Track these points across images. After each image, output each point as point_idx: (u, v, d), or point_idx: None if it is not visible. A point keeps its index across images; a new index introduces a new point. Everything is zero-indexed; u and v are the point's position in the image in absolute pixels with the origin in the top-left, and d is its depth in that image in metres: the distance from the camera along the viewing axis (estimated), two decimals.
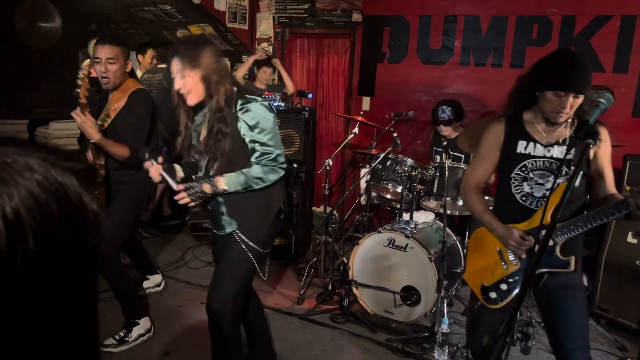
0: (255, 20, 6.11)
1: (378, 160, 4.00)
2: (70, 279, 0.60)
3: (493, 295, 2.29)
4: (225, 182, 2.33)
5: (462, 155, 4.22)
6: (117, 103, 3.03)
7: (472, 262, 2.46)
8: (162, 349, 3.24)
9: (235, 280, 2.46)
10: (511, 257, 2.25)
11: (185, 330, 3.41)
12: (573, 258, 2.08)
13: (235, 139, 2.32)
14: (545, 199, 2.16)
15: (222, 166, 2.34)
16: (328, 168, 4.16)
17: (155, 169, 2.31)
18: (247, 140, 2.33)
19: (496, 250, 2.30)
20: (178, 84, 2.26)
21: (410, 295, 3.56)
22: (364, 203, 4.78)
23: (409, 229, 3.65)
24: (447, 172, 3.56)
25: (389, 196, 4.39)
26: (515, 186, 2.26)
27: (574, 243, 2.15)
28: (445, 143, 3.83)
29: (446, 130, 4.31)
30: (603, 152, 2.12)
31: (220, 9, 5.76)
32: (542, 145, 2.20)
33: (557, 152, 2.18)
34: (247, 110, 2.30)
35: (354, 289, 3.75)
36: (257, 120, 2.31)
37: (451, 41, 5.18)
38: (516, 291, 2.22)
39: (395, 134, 4.15)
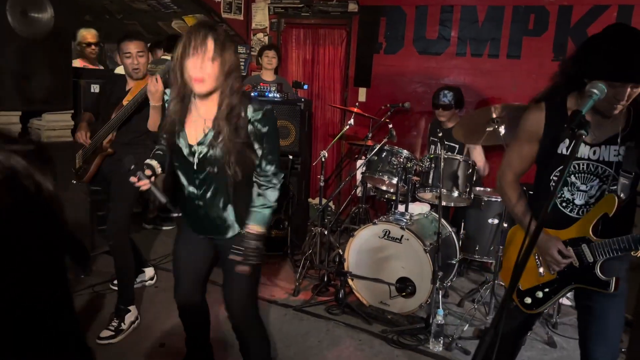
0: (250, 11, 6.06)
1: (373, 152, 3.98)
2: (38, 257, 0.59)
3: (528, 300, 2.13)
4: (257, 224, 2.21)
5: (457, 146, 4.20)
6: (139, 88, 3.17)
7: (509, 260, 2.25)
8: (157, 341, 3.24)
9: (252, 285, 2.40)
10: (553, 269, 2.07)
11: (181, 323, 3.40)
12: (614, 279, 1.88)
13: (243, 142, 2.15)
14: (587, 207, 1.95)
15: (231, 176, 2.16)
16: (323, 160, 4.15)
17: (143, 184, 2.15)
18: (256, 146, 2.19)
19: (534, 255, 2.10)
20: (201, 65, 2.02)
21: (405, 286, 3.56)
22: (359, 195, 4.77)
23: (404, 220, 3.65)
24: (442, 164, 3.55)
25: (384, 188, 4.37)
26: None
27: (618, 261, 1.93)
28: (440, 134, 3.81)
29: (444, 116, 4.26)
30: None
31: None
32: (587, 144, 1.91)
33: (605, 153, 1.89)
34: (261, 115, 2.14)
35: (350, 281, 3.75)
36: (269, 127, 2.18)
37: (448, 31, 5.15)
38: (552, 301, 2.09)
39: (390, 126, 4.13)
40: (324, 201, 4.27)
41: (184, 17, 6.02)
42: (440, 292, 3.53)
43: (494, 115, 3.44)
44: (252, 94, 4.60)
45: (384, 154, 4.01)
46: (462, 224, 4.01)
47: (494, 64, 4.94)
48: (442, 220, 3.60)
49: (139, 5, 5.89)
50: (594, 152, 1.91)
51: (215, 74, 2.04)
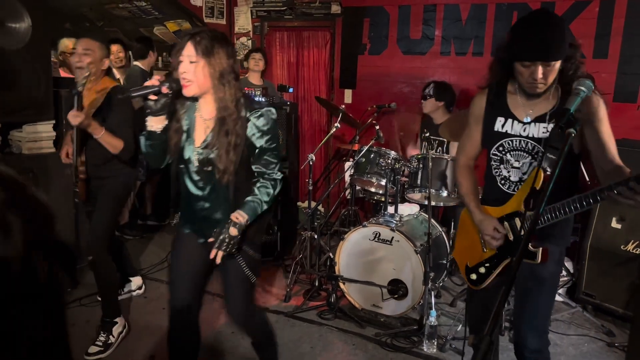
0: (233, 15, 6.01)
1: (361, 153, 3.96)
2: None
3: (474, 276, 2.26)
4: (246, 213, 2.15)
5: (446, 141, 4.17)
6: (92, 97, 3.06)
7: (460, 240, 2.42)
8: (147, 352, 3.18)
9: (248, 296, 2.43)
10: (491, 247, 2.19)
11: None
12: (540, 249, 1.97)
13: (243, 146, 2.17)
14: (520, 183, 2.07)
15: (232, 176, 2.17)
16: (311, 163, 4.11)
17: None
18: (257, 146, 2.20)
19: (477, 232, 2.24)
20: (184, 68, 2.07)
21: (397, 288, 3.53)
22: (349, 197, 4.74)
23: (394, 222, 3.63)
24: (430, 164, 3.53)
25: (373, 189, 4.35)
26: (494, 168, 2.14)
27: (551, 232, 2.03)
28: (427, 134, 3.80)
29: (425, 107, 4.23)
30: (599, 123, 1.92)
31: (197, 4, 5.67)
32: (520, 122, 2.04)
33: (535, 130, 2.01)
34: (260, 115, 2.18)
35: (341, 284, 3.71)
36: (269, 127, 2.20)
37: (431, 31, 5.15)
38: (492, 276, 2.17)
39: (377, 127, 4.11)
40: (313, 205, 4.23)
41: (166, 23, 5.96)
42: (433, 292, 3.51)
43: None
44: None
45: (372, 155, 3.99)
46: (452, 223, 4.00)
47: (479, 62, 4.94)
48: (432, 220, 3.58)
49: (120, 12, 5.82)
50: (524, 129, 2.03)
51: (199, 77, 2.08)
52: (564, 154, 1.37)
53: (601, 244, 3.71)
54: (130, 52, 5.25)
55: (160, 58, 6.06)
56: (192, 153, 2.23)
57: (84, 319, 3.50)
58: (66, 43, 4.72)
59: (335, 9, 5.53)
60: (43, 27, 3.49)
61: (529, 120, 2.02)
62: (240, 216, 2.13)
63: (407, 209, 4.00)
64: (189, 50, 2.07)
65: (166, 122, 2.18)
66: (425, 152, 3.78)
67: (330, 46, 5.72)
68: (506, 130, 2.07)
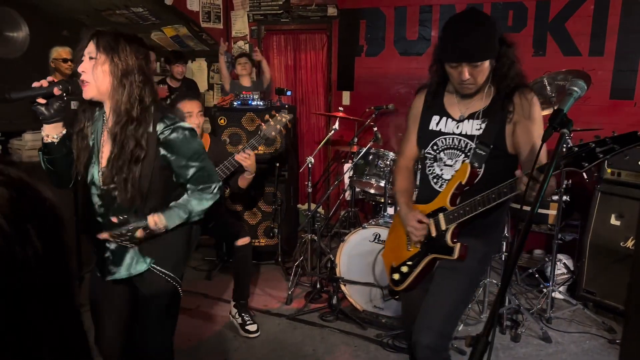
0: (229, 19, 6.03)
1: (359, 155, 3.97)
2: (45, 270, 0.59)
3: (396, 276, 2.22)
4: (166, 219, 1.90)
5: None
6: None
7: (389, 241, 2.41)
8: None
9: (171, 323, 2.13)
10: (414, 239, 2.13)
11: None
12: (458, 245, 1.95)
13: (152, 164, 1.88)
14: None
15: (134, 199, 1.86)
16: (310, 166, 4.12)
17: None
18: (174, 165, 1.93)
19: (404, 231, 2.19)
20: (82, 66, 1.81)
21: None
22: (348, 198, 4.76)
23: None
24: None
25: (372, 191, 4.36)
26: (428, 166, 2.11)
27: (478, 232, 2.00)
28: None
29: None
30: (528, 125, 1.89)
31: (193, 9, 5.69)
32: (454, 120, 2.03)
33: (468, 127, 1.99)
34: (174, 131, 1.89)
35: (342, 286, 3.72)
36: (187, 142, 1.93)
37: (428, 31, 5.16)
38: (413, 275, 2.13)
39: (375, 128, 4.12)
40: (313, 207, 4.25)
41: (163, 29, 5.99)
42: None
43: None
44: (236, 103, 4.58)
45: (370, 157, 4.01)
46: None
47: None
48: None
49: (117, 19, 5.84)
50: (458, 127, 2.02)
51: (99, 75, 1.80)
52: (554, 157, 1.37)
53: (601, 241, 3.72)
54: None
55: (157, 64, 6.08)
56: (97, 173, 1.91)
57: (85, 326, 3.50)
58: (58, 50, 4.73)
59: (332, 11, 5.54)
60: (40, 34, 3.51)
61: (462, 117, 2.01)
62: (158, 220, 1.89)
63: None
64: (89, 47, 1.82)
65: (64, 130, 1.87)
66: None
67: (328, 48, 5.74)
68: (440, 129, 2.06)
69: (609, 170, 3.76)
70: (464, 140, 2.00)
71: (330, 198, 5.69)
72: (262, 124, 3.35)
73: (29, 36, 3.40)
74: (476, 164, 1.93)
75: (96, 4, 5.57)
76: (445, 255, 2.02)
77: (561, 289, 3.94)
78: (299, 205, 5.50)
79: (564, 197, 3.78)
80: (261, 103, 4.60)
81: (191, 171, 1.97)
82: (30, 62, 3.47)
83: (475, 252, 2.02)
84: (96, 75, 1.81)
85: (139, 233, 1.87)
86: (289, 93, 5.00)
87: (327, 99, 5.84)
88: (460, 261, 1.98)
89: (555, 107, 1.50)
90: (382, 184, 3.91)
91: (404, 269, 2.19)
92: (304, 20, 5.74)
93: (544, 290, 3.73)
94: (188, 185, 2.01)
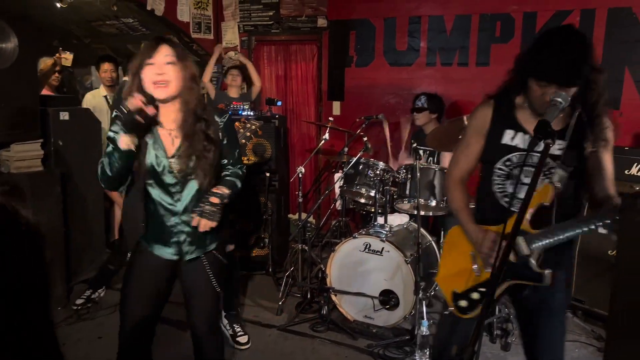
0: (220, 30, 6.05)
1: (350, 165, 3.99)
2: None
3: (464, 303, 2.06)
4: (226, 187, 2.19)
5: (436, 151, 4.22)
6: None
7: (446, 264, 2.23)
8: None
9: (216, 306, 2.41)
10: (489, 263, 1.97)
11: None
12: (549, 271, 1.80)
13: (219, 150, 2.20)
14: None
15: (211, 180, 2.17)
16: (300, 176, 4.13)
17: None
18: (225, 148, 2.24)
19: (470, 254, 2.05)
20: (161, 68, 2.02)
21: (389, 299, 3.54)
22: (339, 208, 4.76)
23: (384, 232, 3.64)
24: (418, 174, 3.56)
25: (363, 200, 4.37)
26: (497, 183, 1.98)
27: (557, 254, 1.88)
28: (414, 145, 3.83)
29: (418, 119, 4.31)
30: (605, 154, 1.85)
31: (184, 20, 5.70)
32: (532, 136, 1.82)
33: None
34: (229, 119, 2.25)
35: (333, 296, 3.72)
36: (234, 128, 2.34)
37: (417, 42, 5.21)
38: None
39: (365, 138, 4.14)
40: (303, 217, 4.25)
41: None
42: (424, 302, 3.52)
43: (466, 123, 3.47)
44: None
45: (361, 167, 4.02)
46: (442, 232, 4.02)
47: (464, 73, 5.01)
48: (422, 229, 3.60)
49: (107, 29, 5.85)
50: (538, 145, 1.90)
51: (177, 77, 2.05)
52: (539, 167, 1.38)
53: (589, 249, 3.74)
54: (120, 69, 5.27)
55: None
56: (167, 164, 2.13)
57: (75, 338, 3.47)
58: (46, 62, 4.72)
59: (322, 22, 5.58)
60: (30, 45, 3.50)
61: None
62: (220, 189, 2.15)
63: (397, 219, 4.03)
64: (165, 51, 2.04)
65: (136, 139, 2.07)
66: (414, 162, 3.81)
67: (318, 59, 5.77)
68: (516, 144, 1.93)
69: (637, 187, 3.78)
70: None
71: (321, 208, 5.69)
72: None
73: (17, 47, 3.38)
74: (559, 185, 1.82)
75: (86, 15, 5.58)
76: (531, 281, 1.87)
77: None
78: (290, 215, 5.50)
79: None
80: (251, 113, 4.61)
81: (236, 153, 2.30)
82: (19, 73, 3.45)
83: (561, 281, 1.93)
84: (176, 78, 2.05)
85: (214, 199, 2.10)
86: (279, 103, 5.03)
87: (318, 109, 5.86)
88: (553, 290, 1.89)
89: (540, 118, 1.51)
90: (372, 193, 3.92)
91: (475, 295, 2.02)
92: (294, 31, 5.77)
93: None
94: (229, 167, 2.30)
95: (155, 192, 2.18)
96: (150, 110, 2.01)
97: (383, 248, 3.53)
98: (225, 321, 3.53)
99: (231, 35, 6.03)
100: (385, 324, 3.57)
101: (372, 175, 3.91)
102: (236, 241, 3.67)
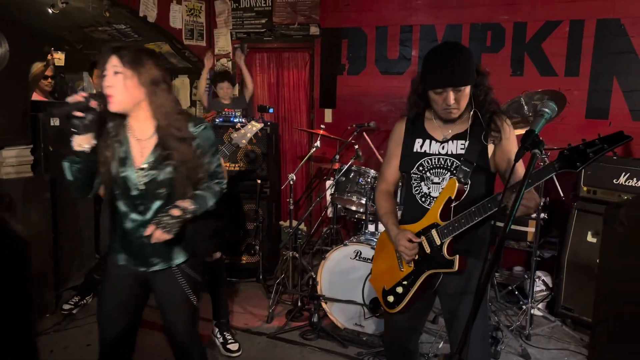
0: (212, 37, 6.06)
1: (341, 172, 3.99)
2: None
3: (391, 298, 2.24)
4: (192, 202, 2.03)
5: None
6: None
7: (377, 264, 2.41)
8: None
9: (192, 319, 2.28)
10: (407, 259, 2.15)
11: None
12: (457, 257, 2.01)
13: (191, 159, 2.06)
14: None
15: (186, 191, 2.06)
16: (292, 183, 4.13)
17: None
18: (204, 160, 2.11)
19: (395, 252, 2.24)
20: (108, 81, 1.94)
21: (379, 306, 3.54)
22: (330, 215, 4.77)
23: (375, 240, 3.65)
24: None
25: (354, 208, 4.38)
26: (414, 187, 2.19)
27: (468, 242, 2.06)
28: None
29: None
30: (507, 146, 2.05)
31: (176, 27, 5.71)
32: (437, 141, 2.14)
33: (453, 147, 2.11)
34: (205, 129, 2.10)
35: (323, 304, 3.72)
36: (212, 141, 2.15)
37: (408, 51, 5.25)
38: (410, 294, 2.16)
39: (356, 146, 4.15)
40: (294, 224, 4.25)
41: (146, 45, 5.99)
42: None
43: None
44: (218, 120, 4.58)
45: (352, 174, 4.03)
46: None
47: None
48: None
49: (99, 35, 5.84)
50: (443, 147, 2.12)
51: (125, 87, 1.94)
52: (527, 177, 1.41)
53: (578, 258, 3.77)
54: None
55: None
56: (134, 175, 2.06)
57: (62, 345, 3.44)
58: (38, 66, 4.71)
59: (314, 30, 5.61)
60: (21, 51, 3.49)
61: (446, 139, 2.12)
62: (185, 202, 2.01)
63: None
64: (113, 62, 1.94)
65: (94, 141, 1.99)
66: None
67: (310, 67, 5.80)
68: (425, 150, 2.15)
69: (585, 188, 3.84)
70: (450, 159, 2.09)
71: (312, 215, 5.70)
72: (233, 132, 3.39)
73: (8, 52, 3.37)
74: (462, 179, 2.03)
75: (79, 21, 5.57)
76: (444, 269, 2.06)
77: (540, 305, 3.98)
78: (281, 222, 5.50)
79: (542, 215, 3.84)
80: (243, 120, 4.61)
81: (213, 166, 2.16)
82: (10, 78, 3.44)
83: (477, 269, 2.03)
84: (126, 89, 1.95)
85: (174, 211, 1.97)
86: (271, 110, 5.03)
87: (310, 117, 5.88)
88: (460, 274, 2.04)
89: (527, 128, 1.54)
90: (363, 201, 3.93)
91: (399, 289, 2.20)
92: (286, 38, 5.80)
93: (523, 307, 3.76)
94: (203, 182, 2.14)
95: (122, 203, 2.11)
96: (93, 104, 1.90)
97: (374, 256, 3.53)
98: (215, 329, 3.52)
99: (223, 42, 6.04)
100: (376, 331, 3.57)
101: (363, 182, 3.92)
102: (223, 248, 3.64)
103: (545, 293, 4.08)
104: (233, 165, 4.64)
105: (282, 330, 3.72)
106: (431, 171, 2.13)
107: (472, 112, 2.09)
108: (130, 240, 2.14)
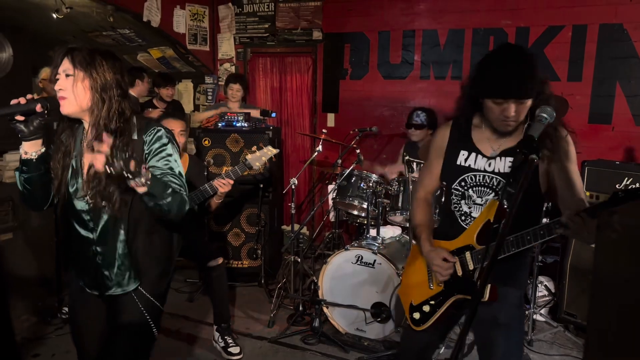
0: (216, 41, 6.08)
1: (342, 177, 4.00)
2: None
3: (417, 315, 2.11)
4: (153, 179, 1.72)
5: None
6: None
7: (407, 276, 2.27)
8: None
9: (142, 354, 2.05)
10: (440, 279, 2.01)
11: None
12: (489, 286, 1.80)
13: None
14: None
15: (121, 208, 1.85)
16: (294, 187, 4.13)
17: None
18: (156, 173, 1.84)
19: (425, 267, 2.10)
20: (59, 84, 1.80)
21: (380, 311, 3.53)
22: (332, 220, 4.76)
23: (376, 244, 3.64)
24: (410, 186, 3.57)
25: (355, 212, 4.38)
26: (454, 202, 2.02)
27: (505, 275, 1.89)
28: (407, 157, 3.85)
29: (416, 135, 4.32)
30: (570, 162, 1.85)
31: (180, 32, 5.73)
32: (485, 157, 1.94)
33: (501, 165, 1.90)
34: (157, 134, 1.89)
35: (325, 309, 3.71)
36: (165, 150, 1.91)
37: (411, 55, 5.25)
38: (437, 315, 2.05)
39: (358, 151, 4.16)
40: (296, 228, 4.24)
41: (149, 50, 6.02)
42: None
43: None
44: (220, 124, 4.59)
45: (353, 179, 4.03)
46: None
47: (457, 86, 4.95)
48: (414, 242, 3.60)
49: (104, 40, 5.87)
50: (490, 164, 1.94)
51: (76, 90, 1.79)
52: (522, 186, 1.38)
53: (581, 263, 3.76)
54: None
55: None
56: (80, 188, 1.89)
57: (64, 349, 3.44)
58: (47, 71, 4.74)
59: (317, 35, 5.62)
60: (24, 55, 3.52)
61: (495, 154, 1.92)
62: (150, 171, 1.68)
63: (390, 232, 4.03)
64: (64, 65, 1.81)
65: (43, 148, 1.85)
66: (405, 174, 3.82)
67: (313, 71, 5.80)
68: (469, 165, 1.97)
69: (587, 194, 3.82)
70: (496, 178, 1.91)
71: (314, 219, 5.69)
72: (248, 154, 3.39)
73: (12, 57, 3.39)
74: (506, 203, 1.81)
75: (83, 25, 5.60)
76: (471, 296, 1.91)
77: (542, 311, 3.96)
78: (283, 226, 5.50)
79: (544, 220, 3.82)
80: (245, 124, 4.62)
81: (169, 175, 1.87)
82: (14, 83, 3.46)
83: (513, 298, 1.94)
84: (76, 92, 1.80)
85: (132, 165, 1.60)
86: (273, 115, 5.04)
87: (312, 121, 5.88)
88: (491, 301, 1.85)
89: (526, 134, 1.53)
90: (365, 205, 3.92)
91: (426, 308, 2.08)
92: (289, 43, 5.81)
93: (526, 312, 3.74)
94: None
95: (72, 217, 1.96)
96: (37, 108, 1.75)
97: (375, 260, 3.53)
98: (216, 334, 3.52)
99: (227, 46, 6.06)
100: (377, 336, 3.56)
101: (364, 187, 3.92)
102: (223, 253, 3.65)
103: (547, 298, 4.05)
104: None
105: (283, 335, 3.71)
106: (474, 189, 1.95)
107: (526, 125, 1.87)
108: (83, 259, 1.97)
